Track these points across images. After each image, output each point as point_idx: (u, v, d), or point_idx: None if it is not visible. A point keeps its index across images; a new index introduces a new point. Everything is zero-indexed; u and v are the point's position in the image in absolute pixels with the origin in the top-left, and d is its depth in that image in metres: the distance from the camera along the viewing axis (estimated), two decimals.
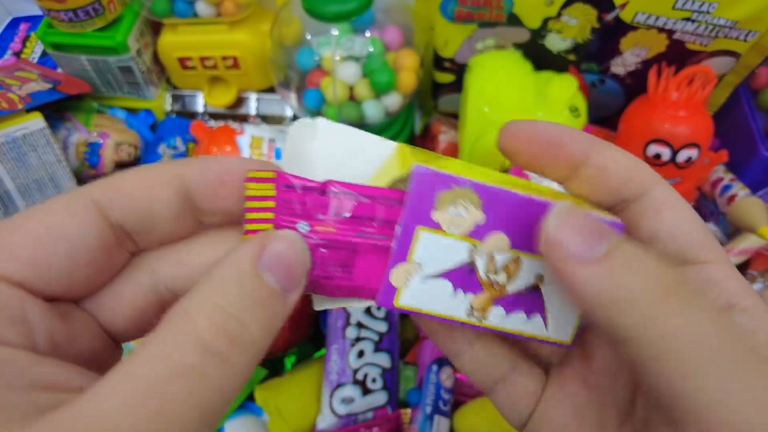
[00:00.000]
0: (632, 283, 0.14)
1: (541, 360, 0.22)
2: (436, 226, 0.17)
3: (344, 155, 0.18)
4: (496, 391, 0.21)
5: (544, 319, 0.20)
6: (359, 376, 0.45)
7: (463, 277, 0.18)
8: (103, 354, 0.17)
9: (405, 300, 0.18)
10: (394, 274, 0.18)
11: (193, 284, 0.15)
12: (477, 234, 0.18)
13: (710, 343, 0.14)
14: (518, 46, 0.49)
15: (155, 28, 0.58)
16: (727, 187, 0.48)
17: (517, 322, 0.19)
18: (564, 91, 0.46)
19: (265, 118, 0.61)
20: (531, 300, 0.20)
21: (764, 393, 0.13)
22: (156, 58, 0.59)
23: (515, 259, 0.19)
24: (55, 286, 0.16)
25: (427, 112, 0.61)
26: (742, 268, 0.46)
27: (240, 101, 0.61)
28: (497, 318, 0.19)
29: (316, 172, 0.17)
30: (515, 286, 0.19)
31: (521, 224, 0.18)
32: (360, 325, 0.47)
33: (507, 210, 0.17)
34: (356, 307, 0.19)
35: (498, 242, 0.18)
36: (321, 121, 0.18)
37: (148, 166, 0.17)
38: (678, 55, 0.46)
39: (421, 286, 0.18)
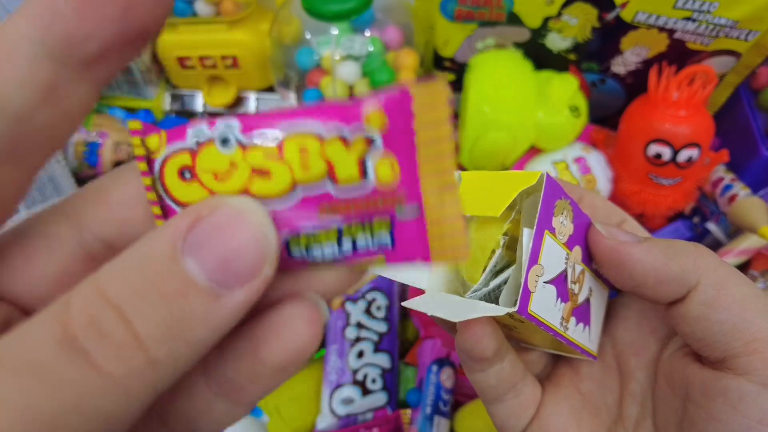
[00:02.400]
0: (683, 245, 0.19)
1: (533, 372, 0.24)
2: (554, 231, 0.18)
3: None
4: (505, 401, 0.22)
5: (589, 329, 0.21)
6: (359, 377, 0.45)
7: (561, 285, 0.19)
8: None
9: (534, 306, 0.18)
10: (530, 278, 0.18)
11: (136, 229, 0.12)
12: (569, 244, 0.19)
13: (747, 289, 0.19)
14: (518, 45, 0.49)
15: None
16: (727, 187, 0.48)
17: (578, 332, 0.21)
18: (564, 91, 0.46)
19: None
20: (583, 311, 0.21)
21: None
22: (155, 57, 0.59)
23: (582, 272, 0.20)
24: None
25: None
26: (743, 268, 0.46)
27: (239, 101, 0.60)
28: (572, 327, 0.20)
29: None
30: (581, 297, 0.20)
31: (585, 240, 0.20)
32: (360, 326, 0.47)
33: (582, 226, 0.20)
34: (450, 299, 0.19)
35: (577, 254, 0.20)
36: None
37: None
38: (679, 54, 0.46)
39: (541, 292, 0.18)
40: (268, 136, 0.12)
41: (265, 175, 0.12)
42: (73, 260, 0.13)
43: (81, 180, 0.53)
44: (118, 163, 0.56)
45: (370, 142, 0.12)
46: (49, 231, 0.13)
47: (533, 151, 0.49)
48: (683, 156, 0.44)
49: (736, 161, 0.49)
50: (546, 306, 0.18)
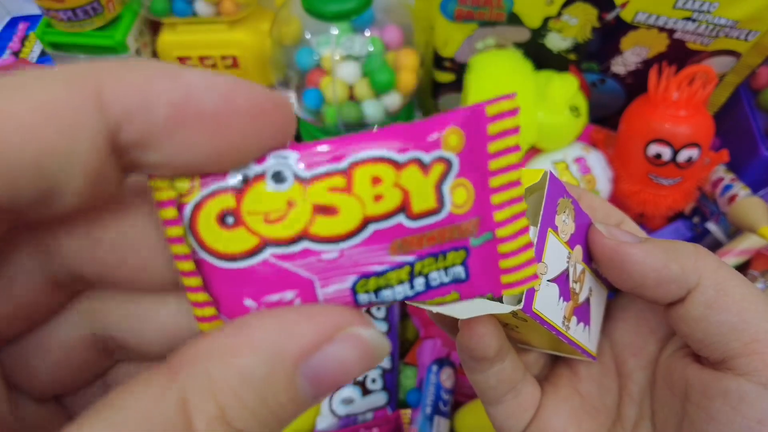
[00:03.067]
0: (683, 245, 0.19)
1: (532, 374, 0.24)
2: (556, 230, 0.18)
3: None
4: (504, 402, 0.22)
5: (589, 329, 0.21)
6: (359, 377, 0.45)
7: (563, 284, 0.19)
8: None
9: (538, 304, 0.18)
10: None
11: (153, 333, 0.12)
12: (571, 243, 0.19)
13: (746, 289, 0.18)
14: (518, 45, 0.49)
15: (154, 28, 0.58)
16: (727, 187, 0.48)
17: (578, 331, 0.20)
18: (564, 91, 0.46)
19: None
20: (584, 311, 0.21)
21: None
22: (155, 57, 0.59)
23: (583, 271, 0.20)
24: (29, 388, 0.12)
25: (427, 111, 0.61)
26: (743, 268, 0.46)
27: None
28: (573, 326, 0.20)
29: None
30: (582, 296, 0.20)
31: (585, 239, 0.20)
32: None
33: (583, 225, 0.20)
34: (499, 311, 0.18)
35: (578, 253, 0.19)
36: None
37: (35, 80, 0.09)
38: (678, 54, 0.46)
39: (544, 290, 0.18)
40: (333, 167, 0.10)
41: (330, 213, 0.11)
42: (34, 291, 0.12)
43: None
44: None
45: (448, 165, 0.11)
46: (64, 319, 0.12)
47: (533, 151, 0.49)
48: (683, 156, 0.44)
49: (736, 161, 0.49)
50: (549, 304, 0.18)
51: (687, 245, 0.19)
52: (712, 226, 0.49)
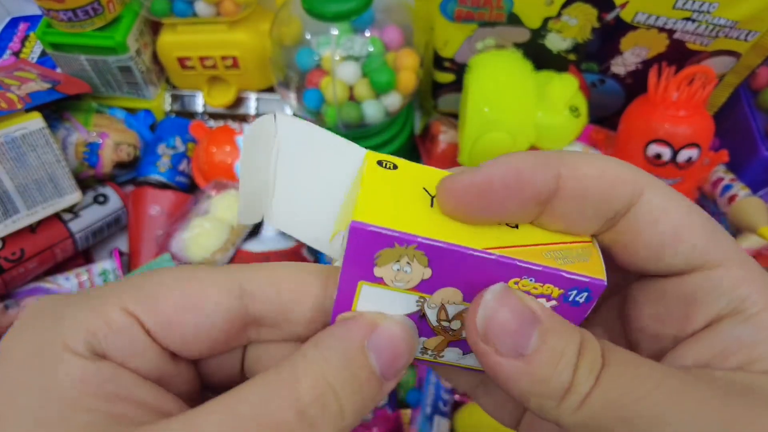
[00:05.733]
0: (558, 379, 0.14)
1: None
2: (379, 281, 0.16)
3: (309, 155, 0.17)
4: (489, 393, 0.21)
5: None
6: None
7: (415, 322, 0.17)
8: (193, 396, 0.18)
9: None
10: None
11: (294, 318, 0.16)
12: (424, 288, 0.16)
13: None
14: (518, 45, 0.49)
15: (154, 28, 0.58)
16: (727, 187, 0.48)
17: (473, 359, 0.19)
18: (564, 91, 0.46)
19: None
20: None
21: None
22: (155, 57, 0.59)
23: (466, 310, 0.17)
24: (175, 347, 0.16)
25: (427, 112, 0.61)
26: None
27: (239, 101, 0.61)
28: (454, 355, 0.18)
29: (277, 173, 0.17)
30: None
31: (473, 279, 0.16)
32: None
33: (456, 266, 0.16)
34: None
35: (450, 295, 0.17)
36: (280, 116, 0.17)
37: (298, 265, 0.17)
38: (678, 54, 0.46)
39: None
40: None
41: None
42: (239, 363, 0.18)
43: (81, 180, 0.53)
44: (118, 164, 0.56)
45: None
46: (211, 298, 0.16)
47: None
48: (683, 156, 0.44)
49: (736, 161, 0.49)
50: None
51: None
52: None
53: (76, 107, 0.57)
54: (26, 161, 0.48)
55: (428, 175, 0.17)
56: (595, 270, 0.16)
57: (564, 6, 0.45)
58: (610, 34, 0.46)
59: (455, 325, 0.17)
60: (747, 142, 0.50)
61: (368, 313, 0.16)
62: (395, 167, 0.17)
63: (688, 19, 0.43)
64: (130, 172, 0.59)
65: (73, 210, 0.53)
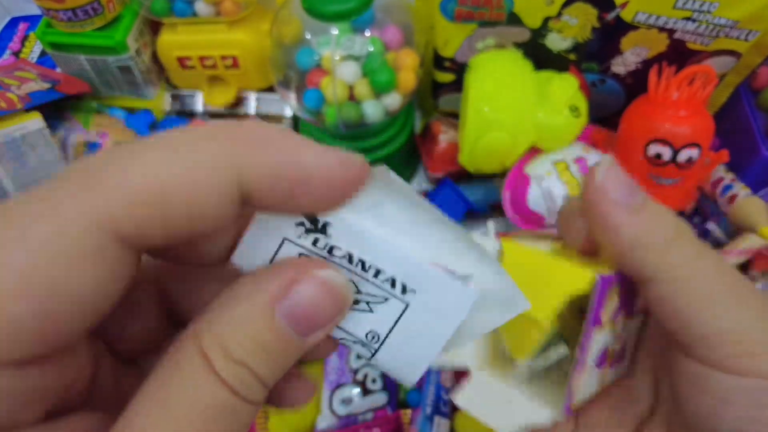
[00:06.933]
0: (661, 231, 0.17)
1: None
2: (600, 323, 0.18)
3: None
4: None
5: (615, 367, 0.21)
6: (359, 377, 0.45)
7: (601, 358, 0.19)
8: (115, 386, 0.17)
9: (575, 399, 0.18)
10: (575, 384, 0.18)
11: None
12: (613, 316, 0.18)
13: (716, 285, 0.17)
14: (518, 45, 0.49)
15: (154, 28, 0.58)
16: (727, 187, 0.48)
17: (609, 374, 0.21)
18: (564, 91, 0.46)
19: (265, 118, 0.61)
20: (621, 353, 0.21)
21: (760, 316, 0.17)
22: (155, 57, 0.59)
23: (622, 326, 0.20)
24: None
25: (427, 111, 0.61)
26: (743, 268, 0.46)
27: (239, 101, 0.61)
28: (610, 376, 0.21)
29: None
30: (620, 345, 0.20)
31: (626, 301, 0.19)
32: None
33: (625, 289, 0.19)
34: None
35: (621, 323, 0.19)
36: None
37: (191, 155, 0.12)
38: (678, 54, 0.46)
39: (585, 380, 0.18)
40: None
41: None
42: (154, 319, 0.18)
43: None
44: None
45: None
46: (150, 309, 0.17)
47: (533, 151, 0.49)
48: (683, 156, 0.44)
49: (736, 161, 0.49)
50: (587, 386, 0.18)
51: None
52: (712, 226, 0.49)
53: (76, 107, 0.57)
54: (26, 161, 0.48)
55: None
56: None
57: (564, 6, 0.45)
58: (610, 34, 0.46)
59: (616, 345, 0.19)
60: (747, 142, 0.49)
61: (286, 266, 0.14)
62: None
63: (688, 18, 0.43)
64: None
65: None
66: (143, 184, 0.12)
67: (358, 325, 0.15)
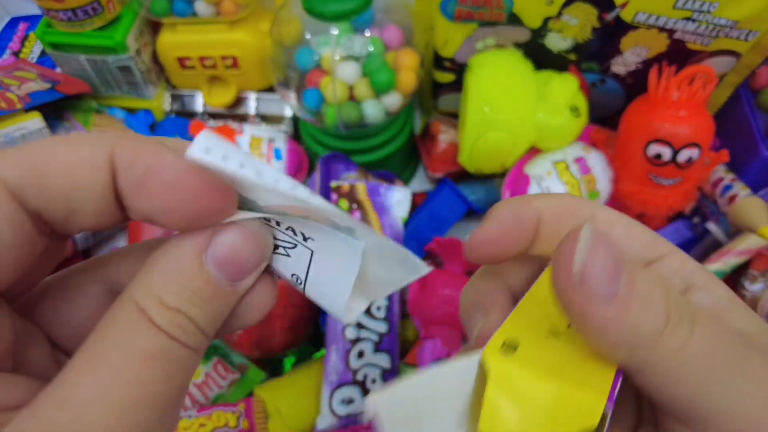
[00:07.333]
0: (650, 324, 0.14)
1: None
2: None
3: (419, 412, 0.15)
4: None
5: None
6: (359, 377, 0.45)
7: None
8: (51, 370, 0.16)
9: None
10: None
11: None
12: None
13: (712, 363, 0.15)
14: (518, 45, 0.49)
15: (154, 28, 0.58)
16: (727, 187, 0.48)
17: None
18: (564, 91, 0.46)
19: (265, 118, 0.61)
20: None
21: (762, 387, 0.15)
22: (155, 57, 0.59)
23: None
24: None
25: (427, 111, 0.61)
26: (743, 268, 0.46)
27: (239, 101, 0.61)
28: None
29: None
30: None
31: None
32: (360, 326, 0.47)
33: None
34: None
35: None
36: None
37: (75, 138, 0.15)
38: (678, 54, 0.46)
39: None
40: None
41: None
42: (98, 307, 0.17)
43: None
44: None
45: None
46: (81, 288, 0.17)
47: (533, 151, 0.49)
48: (683, 156, 0.44)
49: (736, 161, 0.49)
50: None
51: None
52: (712, 226, 0.49)
53: (76, 107, 0.57)
54: None
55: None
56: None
57: (564, 6, 0.45)
58: (610, 34, 0.46)
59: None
60: (747, 142, 0.49)
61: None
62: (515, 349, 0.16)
63: (688, 18, 0.43)
64: None
65: None
66: (32, 155, 0.14)
67: (284, 267, 0.17)
